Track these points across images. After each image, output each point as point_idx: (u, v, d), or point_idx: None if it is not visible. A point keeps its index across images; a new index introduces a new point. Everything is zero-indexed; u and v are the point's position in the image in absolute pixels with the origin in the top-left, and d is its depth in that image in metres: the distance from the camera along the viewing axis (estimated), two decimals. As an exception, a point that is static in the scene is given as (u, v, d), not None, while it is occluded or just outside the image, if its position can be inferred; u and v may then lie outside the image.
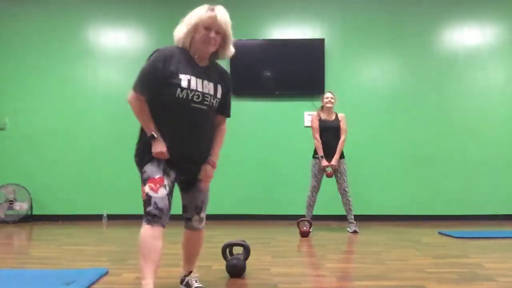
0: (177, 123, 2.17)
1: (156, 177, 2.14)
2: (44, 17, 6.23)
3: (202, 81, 2.18)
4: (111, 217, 6.01)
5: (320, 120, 5.03)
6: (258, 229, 5.25)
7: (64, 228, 5.34)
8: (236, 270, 2.82)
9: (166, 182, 2.15)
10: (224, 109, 2.38)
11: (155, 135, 2.15)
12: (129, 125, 6.09)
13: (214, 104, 2.25)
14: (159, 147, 2.15)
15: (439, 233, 4.81)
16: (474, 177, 6.09)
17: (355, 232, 4.89)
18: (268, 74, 6.19)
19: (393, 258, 3.45)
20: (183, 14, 2.31)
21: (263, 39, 6.20)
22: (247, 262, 2.95)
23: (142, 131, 2.27)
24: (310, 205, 5.03)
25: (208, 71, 2.24)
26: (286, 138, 6.13)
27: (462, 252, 3.67)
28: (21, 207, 5.86)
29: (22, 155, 6.10)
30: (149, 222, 2.12)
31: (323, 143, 5.00)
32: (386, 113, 6.17)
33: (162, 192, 2.13)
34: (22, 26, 6.21)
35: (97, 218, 6.00)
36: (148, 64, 2.17)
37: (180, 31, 2.23)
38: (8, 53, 6.18)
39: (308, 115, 6.12)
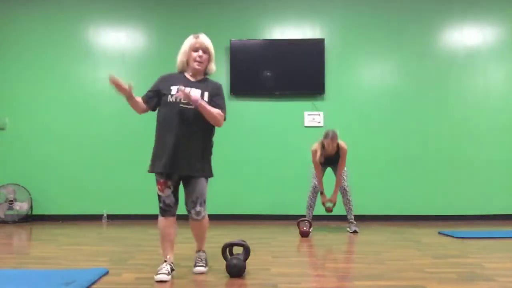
0: (171, 120, 2.77)
1: (161, 180, 2.81)
2: (44, 17, 6.23)
3: (191, 89, 2.80)
4: (111, 217, 6.01)
5: (320, 159, 4.89)
6: (258, 229, 5.25)
7: (64, 228, 5.34)
8: (236, 270, 2.82)
9: (170, 183, 2.82)
10: (215, 104, 2.86)
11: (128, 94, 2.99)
12: (129, 125, 6.14)
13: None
14: (123, 84, 2.99)
15: (439, 233, 4.81)
16: (474, 177, 6.09)
17: (355, 232, 4.89)
18: (268, 74, 6.19)
19: (393, 258, 3.45)
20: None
21: (263, 39, 6.20)
22: (247, 262, 2.95)
23: (154, 147, 2.87)
24: (311, 206, 5.03)
25: (197, 83, 2.89)
26: (286, 138, 6.13)
27: (462, 252, 3.67)
28: (21, 207, 5.85)
29: (22, 155, 6.10)
30: (161, 215, 2.89)
31: (322, 165, 4.95)
32: (386, 113, 6.17)
33: (167, 191, 2.83)
34: (22, 26, 6.21)
35: (97, 218, 6.00)
36: (154, 83, 3.00)
37: (178, 60, 2.97)
38: (8, 53, 6.18)
39: (308, 115, 6.13)
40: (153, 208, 6.21)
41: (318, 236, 4.66)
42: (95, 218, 6.00)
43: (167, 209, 2.85)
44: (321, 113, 6.13)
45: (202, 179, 2.84)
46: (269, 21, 6.28)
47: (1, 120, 6.12)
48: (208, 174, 2.90)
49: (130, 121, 6.15)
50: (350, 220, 5.03)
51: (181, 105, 2.75)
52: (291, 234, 4.75)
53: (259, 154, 6.13)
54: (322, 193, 4.97)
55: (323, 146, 4.85)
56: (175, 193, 2.86)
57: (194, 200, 2.84)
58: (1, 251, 3.84)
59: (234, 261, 2.84)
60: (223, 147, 6.03)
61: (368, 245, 4.12)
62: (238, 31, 6.20)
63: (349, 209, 5.03)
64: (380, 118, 6.16)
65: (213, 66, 2.98)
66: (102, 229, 5.26)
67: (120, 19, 6.28)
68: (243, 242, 2.97)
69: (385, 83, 6.21)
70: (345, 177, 5.00)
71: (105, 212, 6.01)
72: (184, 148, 2.75)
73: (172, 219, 2.87)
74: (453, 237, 4.51)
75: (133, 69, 6.20)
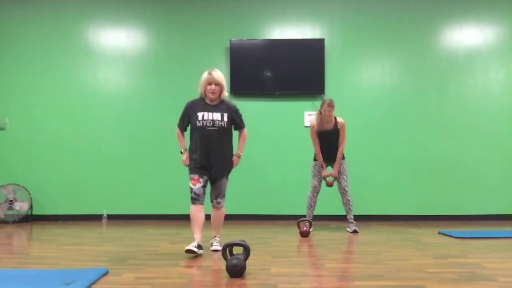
0: (202, 140, 3.66)
1: (195, 177, 3.66)
2: (44, 17, 6.23)
3: (212, 113, 3.67)
4: (111, 217, 6.01)
5: (317, 130, 4.96)
6: (258, 229, 5.25)
7: (64, 228, 5.34)
8: (236, 270, 2.82)
9: (200, 179, 3.66)
10: (237, 125, 3.86)
11: (182, 151, 3.81)
12: (129, 125, 6.14)
13: (223, 125, 3.67)
14: (185, 156, 3.79)
15: (439, 233, 4.81)
16: (474, 177, 6.09)
17: (355, 232, 4.89)
18: (268, 74, 6.19)
19: (393, 258, 3.45)
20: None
21: (263, 39, 6.20)
22: (247, 262, 2.95)
23: (191, 157, 3.75)
24: (311, 206, 5.03)
25: (217, 107, 3.71)
26: (286, 138, 6.13)
27: (462, 252, 3.67)
28: (21, 207, 5.85)
29: (22, 155, 6.10)
30: (192, 202, 3.64)
31: (321, 149, 4.99)
32: (386, 113, 6.17)
33: (198, 185, 3.64)
34: (21, 26, 6.20)
35: (97, 218, 6.00)
36: (182, 111, 3.80)
37: (199, 90, 3.73)
38: (8, 53, 6.18)
39: (309, 115, 6.12)
40: (153, 208, 6.24)
41: (318, 236, 4.66)
42: (95, 218, 6.00)
43: (196, 198, 3.62)
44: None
45: (224, 179, 3.78)
46: (269, 21, 6.28)
47: (1, 120, 6.12)
48: (228, 173, 3.84)
49: (130, 121, 6.16)
50: (350, 220, 5.03)
51: (208, 128, 3.62)
52: (291, 234, 4.75)
53: (259, 154, 6.13)
54: (322, 166, 4.98)
55: (320, 113, 4.93)
56: (204, 187, 3.68)
57: (216, 194, 3.77)
58: (1, 251, 3.84)
59: (234, 261, 2.84)
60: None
61: (368, 245, 4.12)
62: (238, 31, 6.20)
63: (348, 209, 5.03)
64: (380, 118, 6.16)
65: (225, 93, 3.74)
66: (102, 229, 5.26)
67: (120, 19, 6.28)
68: (243, 242, 2.98)
69: (385, 83, 6.21)
70: (345, 177, 4.99)
71: (105, 212, 6.01)
72: (213, 159, 3.67)
73: (200, 206, 3.64)
74: (453, 237, 4.51)
75: (133, 69, 6.20)
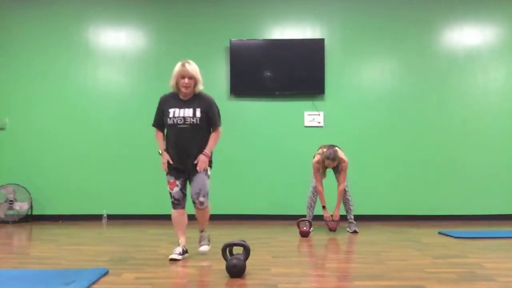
0: (174, 138, 3.42)
1: (171, 180, 3.46)
2: (43, 17, 6.22)
3: (184, 110, 3.38)
4: (111, 217, 6.01)
5: (320, 169, 4.92)
6: (258, 229, 5.25)
7: (64, 228, 5.34)
8: (236, 270, 2.82)
9: (177, 182, 3.45)
10: (211, 124, 3.48)
11: (161, 152, 3.54)
12: (129, 125, 6.14)
13: (196, 121, 3.37)
14: (165, 158, 3.49)
15: (439, 233, 4.81)
16: (474, 177, 6.09)
17: (355, 232, 4.89)
18: (268, 74, 6.18)
19: (393, 258, 3.45)
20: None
21: (263, 39, 6.19)
22: (247, 262, 2.95)
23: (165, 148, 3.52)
24: (311, 206, 5.02)
25: (189, 102, 3.43)
26: (286, 138, 6.13)
27: (462, 252, 3.67)
28: (21, 207, 5.85)
29: (22, 155, 6.10)
30: (173, 207, 3.49)
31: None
32: (386, 113, 6.17)
33: (176, 189, 3.46)
34: (21, 26, 6.20)
35: (97, 218, 6.00)
36: (157, 107, 3.53)
37: (171, 83, 3.45)
38: (8, 53, 6.17)
39: (309, 115, 6.13)
40: (153, 208, 6.24)
41: (318, 236, 4.66)
42: (95, 218, 5.99)
43: (176, 203, 3.46)
44: (321, 113, 6.13)
45: (202, 174, 3.43)
46: (269, 21, 6.27)
47: (1, 120, 6.12)
48: (207, 170, 3.49)
49: (130, 121, 6.16)
50: (350, 220, 5.03)
51: (179, 125, 3.36)
52: (291, 234, 4.75)
53: (259, 154, 6.13)
54: (324, 207, 4.96)
55: (323, 162, 4.84)
56: (184, 190, 3.49)
57: (197, 192, 3.43)
58: (1, 251, 3.84)
59: (234, 261, 2.84)
60: (223, 147, 6.02)
61: (368, 245, 4.12)
62: (238, 31, 6.20)
63: (348, 209, 5.03)
64: (380, 118, 6.16)
65: (200, 87, 3.44)
66: (102, 229, 5.26)
67: (120, 19, 6.28)
68: (243, 242, 2.98)
69: (385, 83, 6.21)
70: (345, 177, 4.98)
71: (105, 212, 6.01)
72: (187, 159, 3.42)
73: (181, 211, 3.49)
74: (453, 237, 4.51)
75: (133, 69, 6.20)
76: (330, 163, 4.80)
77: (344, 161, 4.87)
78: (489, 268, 3.06)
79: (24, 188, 5.93)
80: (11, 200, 5.83)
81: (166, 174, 3.48)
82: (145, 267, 3.10)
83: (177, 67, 3.39)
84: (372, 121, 6.15)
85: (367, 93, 6.19)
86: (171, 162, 3.43)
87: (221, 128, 3.51)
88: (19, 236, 4.82)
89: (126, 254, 3.60)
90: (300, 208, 5.32)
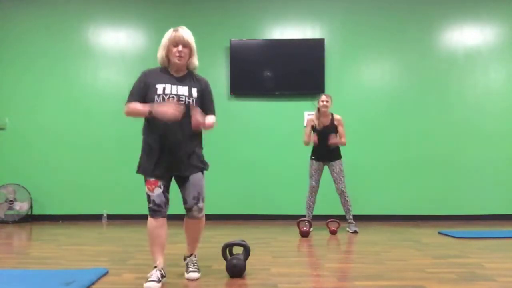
0: (162, 123, 2.59)
1: (151, 180, 2.68)
2: (44, 17, 6.23)
3: (177, 87, 2.70)
4: (111, 217, 6.01)
5: (314, 126, 5.00)
6: (258, 229, 5.24)
7: (64, 228, 5.34)
8: (236, 270, 2.82)
9: (160, 182, 2.67)
10: (207, 109, 2.80)
11: (151, 109, 2.59)
12: (129, 125, 6.11)
13: (192, 102, 2.70)
14: (160, 106, 2.56)
15: (439, 233, 4.81)
16: (474, 177, 6.09)
17: (355, 232, 4.89)
18: (268, 74, 6.19)
19: (393, 258, 3.45)
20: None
21: (263, 39, 6.20)
22: (247, 262, 2.95)
23: (143, 144, 2.79)
24: (310, 206, 5.03)
25: (183, 79, 2.76)
26: (286, 138, 6.13)
27: (462, 252, 3.67)
28: (21, 207, 5.85)
29: (22, 155, 6.10)
30: (151, 216, 2.68)
31: (318, 146, 4.98)
32: (386, 113, 6.17)
33: (157, 191, 2.67)
34: (21, 26, 6.21)
35: (97, 218, 6.00)
36: (134, 83, 2.76)
37: (159, 55, 2.79)
38: (8, 53, 6.18)
39: (309, 115, 6.12)
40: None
41: (318, 236, 4.66)
42: (95, 218, 6.00)
43: (157, 210, 2.66)
44: (321, 113, 6.13)
45: (200, 174, 2.76)
46: (269, 21, 6.28)
47: (1, 120, 6.12)
48: (204, 168, 2.81)
49: (130, 121, 6.15)
50: (349, 220, 5.03)
51: None
52: (291, 234, 4.75)
53: (259, 154, 6.13)
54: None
55: (318, 110, 4.98)
56: (166, 193, 2.71)
57: (196, 196, 2.75)
58: (1, 251, 3.84)
59: (234, 261, 2.84)
60: (223, 147, 6.04)
61: (368, 245, 4.12)
62: (238, 31, 6.20)
63: (347, 210, 5.02)
64: (380, 118, 6.16)
65: (195, 61, 2.79)
66: (102, 229, 5.26)
67: (120, 19, 6.28)
68: (243, 242, 2.97)
69: (385, 83, 6.21)
70: (342, 178, 4.97)
71: (105, 212, 6.01)
72: (179, 148, 2.67)
73: (162, 220, 2.69)
74: (453, 237, 4.51)
75: (133, 69, 6.19)
76: (325, 98, 4.95)
77: (338, 118, 5.01)
78: (489, 268, 3.06)
79: (24, 188, 5.93)
80: (11, 200, 5.83)
81: (144, 173, 2.74)
82: (145, 267, 3.10)
83: (169, 33, 2.76)
84: (372, 121, 6.15)
85: (367, 93, 6.19)
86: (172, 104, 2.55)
87: (215, 118, 2.83)
88: (19, 236, 4.82)
89: (126, 254, 3.60)
90: (300, 208, 5.32)
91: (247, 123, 6.17)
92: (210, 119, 2.75)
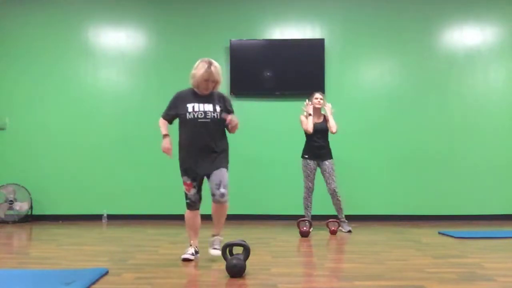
0: (193, 133, 3.33)
1: (188, 182, 3.38)
2: (43, 17, 6.23)
3: (204, 104, 3.35)
4: (111, 217, 6.01)
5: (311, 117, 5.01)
6: (258, 229, 5.25)
7: (64, 228, 5.35)
8: (236, 270, 2.82)
9: (194, 184, 3.39)
10: (228, 111, 3.45)
11: (165, 134, 3.44)
12: (129, 125, 6.14)
13: (216, 116, 3.34)
14: (166, 144, 3.41)
15: (439, 233, 4.80)
16: (474, 177, 6.09)
17: (349, 231, 4.89)
18: (268, 74, 6.19)
19: (393, 258, 3.45)
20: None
21: (263, 39, 6.20)
22: (247, 262, 2.95)
23: (179, 142, 3.42)
24: (308, 206, 5.02)
25: (208, 98, 3.39)
26: (286, 138, 6.12)
27: (462, 252, 3.67)
28: (21, 207, 5.85)
29: (22, 155, 6.10)
30: (188, 208, 3.44)
31: (309, 144, 5.01)
32: (386, 113, 6.17)
33: (193, 191, 3.41)
34: (21, 26, 6.21)
35: (97, 218, 6.00)
36: (170, 102, 3.49)
37: (191, 81, 3.40)
38: (8, 53, 6.18)
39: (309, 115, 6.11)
40: (153, 208, 6.24)
41: (318, 236, 4.66)
42: (95, 218, 5.99)
43: (191, 205, 3.41)
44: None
45: (223, 168, 3.41)
46: (269, 21, 6.27)
47: (1, 120, 6.12)
48: (227, 164, 3.51)
49: (130, 121, 6.16)
50: (342, 219, 5.01)
51: (200, 119, 3.31)
52: (291, 234, 4.75)
53: (259, 154, 6.13)
54: (310, 114, 5.00)
55: (314, 108, 5.02)
56: (199, 191, 3.44)
57: (217, 182, 3.35)
58: (1, 251, 3.84)
59: (234, 261, 2.84)
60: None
61: (368, 245, 4.12)
62: (238, 31, 6.20)
63: (339, 209, 5.01)
64: (380, 118, 6.16)
65: (218, 87, 3.47)
66: (102, 229, 5.26)
67: (120, 19, 6.28)
68: (243, 242, 2.98)
69: (385, 83, 6.21)
70: (334, 178, 4.96)
71: (105, 212, 6.01)
72: (206, 154, 3.35)
73: (196, 212, 3.44)
74: (453, 237, 4.51)
75: (133, 69, 6.20)
76: (319, 96, 5.03)
77: (327, 109, 5.05)
78: (489, 268, 3.05)
79: (24, 188, 5.93)
80: (11, 200, 5.83)
81: (182, 176, 3.39)
82: (145, 267, 3.10)
83: (201, 68, 3.30)
84: (372, 121, 6.14)
85: (367, 93, 6.19)
86: (170, 148, 3.37)
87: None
88: (19, 236, 4.82)
89: (126, 254, 3.60)
90: (300, 208, 5.31)
91: (247, 123, 6.14)
92: (235, 117, 3.36)
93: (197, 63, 3.37)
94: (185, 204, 3.43)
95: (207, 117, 3.31)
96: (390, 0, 6.26)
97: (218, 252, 3.33)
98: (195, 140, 3.32)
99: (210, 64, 3.31)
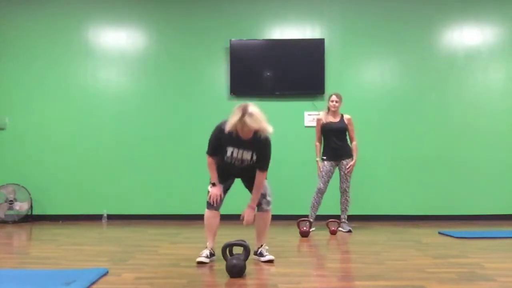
0: (229, 169, 3.32)
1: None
2: (43, 17, 6.22)
3: (243, 151, 3.21)
4: (111, 217, 6.00)
5: (323, 123, 5.01)
6: (258, 229, 5.23)
7: (64, 228, 5.35)
8: (236, 270, 2.82)
9: (220, 185, 3.33)
10: (258, 164, 3.28)
11: (215, 183, 3.30)
12: (129, 125, 6.14)
13: (252, 163, 3.26)
14: (217, 191, 3.30)
15: (439, 233, 4.80)
16: (474, 177, 6.09)
17: (349, 231, 4.89)
18: (268, 74, 6.18)
19: (393, 258, 3.45)
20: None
21: (263, 39, 6.19)
22: (247, 262, 2.95)
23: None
24: (314, 206, 5.02)
25: (248, 143, 3.17)
26: (286, 138, 6.11)
27: (462, 252, 3.67)
28: (21, 207, 5.85)
29: (22, 155, 6.09)
30: (208, 208, 3.33)
31: (327, 145, 5.00)
32: (386, 113, 6.17)
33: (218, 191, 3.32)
34: (21, 26, 6.20)
35: (97, 218, 6.00)
36: (212, 136, 3.27)
37: (229, 126, 3.07)
38: (8, 53, 6.18)
39: (309, 115, 6.12)
40: (153, 208, 6.22)
41: (318, 236, 4.66)
42: (95, 218, 5.99)
43: (212, 205, 3.31)
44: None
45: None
46: (269, 21, 6.27)
47: (1, 120, 6.12)
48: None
49: (130, 121, 6.16)
50: (343, 220, 5.03)
51: (236, 165, 3.27)
52: (291, 234, 4.75)
53: (259, 154, 6.12)
54: (318, 161, 5.02)
55: (328, 110, 5.03)
56: (222, 194, 3.37)
57: (262, 193, 3.37)
58: (1, 251, 3.84)
59: (234, 261, 2.84)
60: (223, 147, 6.03)
61: (368, 245, 4.12)
62: (238, 31, 6.19)
63: (344, 209, 5.03)
64: (380, 118, 6.15)
65: (263, 132, 3.20)
66: (102, 229, 5.26)
67: (120, 19, 6.28)
68: (243, 242, 2.98)
69: (385, 83, 6.21)
70: (348, 178, 4.99)
71: (105, 212, 6.01)
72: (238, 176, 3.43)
73: (215, 212, 3.34)
74: (453, 237, 4.51)
75: (133, 69, 6.20)
76: (335, 98, 4.98)
77: (347, 117, 5.05)
78: (489, 268, 3.06)
79: (24, 188, 5.93)
80: (11, 200, 5.83)
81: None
82: (145, 267, 3.10)
83: (235, 117, 3.03)
84: (372, 121, 6.14)
85: (367, 93, 6.18)
86: (220, 195, 3.35)
87: (266, 173, 3.36)
88: (19, 236, 4.83)
89: (126, 254, 3.60)
90: (300, 208, 5.32)
91: (247, 123, 6.16)
92: (250, 216, 3.31)
93: (234, 108, 3.11)
94: (205, 203, 3.35)
95: (243, 164, 3.27)
96: (390, 0, 6.25)
97: (271, 257, 3.31)
98: (231, 173, 3.40)
99: (244, 113, 3.00)
